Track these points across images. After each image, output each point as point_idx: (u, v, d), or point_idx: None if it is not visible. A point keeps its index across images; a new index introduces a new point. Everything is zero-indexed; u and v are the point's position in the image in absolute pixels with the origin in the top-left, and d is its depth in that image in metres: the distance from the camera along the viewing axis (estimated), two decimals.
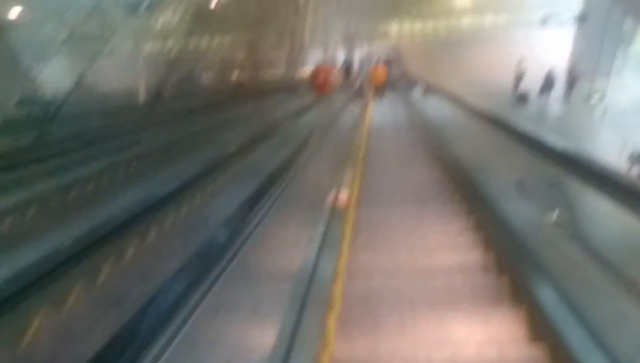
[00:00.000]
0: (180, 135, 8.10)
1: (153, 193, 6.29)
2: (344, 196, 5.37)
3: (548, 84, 18.63)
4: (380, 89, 18.59)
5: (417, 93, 14.49)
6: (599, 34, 18.83)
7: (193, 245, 5.21)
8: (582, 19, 19.23)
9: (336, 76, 11.08)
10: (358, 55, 24.00)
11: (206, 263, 4.40)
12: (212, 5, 21.41)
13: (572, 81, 18.51)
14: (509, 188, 5.48)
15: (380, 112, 16.38)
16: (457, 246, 5.19)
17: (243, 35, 22.52)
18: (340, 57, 22.80)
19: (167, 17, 20.06)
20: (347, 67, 18.79)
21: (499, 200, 5.41)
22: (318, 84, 10.70)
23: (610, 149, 16.82)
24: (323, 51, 24.08)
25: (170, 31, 19.41)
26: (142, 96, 15.75)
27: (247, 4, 23.78)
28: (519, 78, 20.79)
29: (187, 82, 16.67)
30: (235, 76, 20.04)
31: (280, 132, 8.49)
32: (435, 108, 10.72)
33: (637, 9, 14.08)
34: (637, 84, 19.35)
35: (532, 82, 20.47)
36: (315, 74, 10.83)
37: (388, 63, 20.47)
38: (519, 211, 5.21)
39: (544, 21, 20.22)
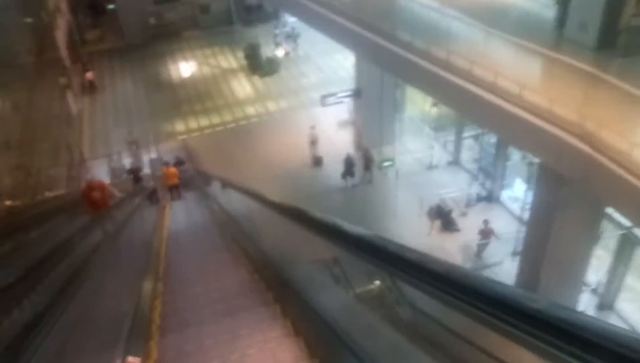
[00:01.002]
0: None
1: None
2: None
3: (348, 168, 19.76)
4: (175, 191, 17.81)
5: (214, 190, 14.02)
6: (375, 106, 20.70)
7: None
8: (356, 94, 21.05)
9: (112, 191, 10.02)
10: (146, 159, 22.91)
11: None
12: None
13: (367, 163, 19.95)
14: (319, 277, 5.04)
15: (178, 214, 15.50)
16: (280, 360, 4.55)
17: (9, 159, 19.95)
18: (127, 164, 21.46)
19: None
20: (135, 174, 17.62)
21: (311, 293, 4.93)
22: (92, 201, 9.42)
23: (410, 209, 18.16)
24: (108, 161, 22.55)
25: None
26: None
27: (9, 124, 21.38)
28: (313, 142, 22.45)
29: None
30: (3, 206, 17.31)
31: (57, 264, 6.96)
32: (234, 203, 10.25)
33: (403, 74, 15.81)
34: (415, 146, 21.57)
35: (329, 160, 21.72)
36: (87, 192, 9.46)
37: (179, 163, 19.87)
38: (334, 300, 4.76)
39: (323, 102, 21.70)
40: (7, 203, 19.05)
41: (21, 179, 20.43)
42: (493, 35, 12.79)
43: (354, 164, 19.95)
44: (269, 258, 6.81)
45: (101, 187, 9.77)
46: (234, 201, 10.38)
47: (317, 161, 22.05)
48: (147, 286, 7.59)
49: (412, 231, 17.19)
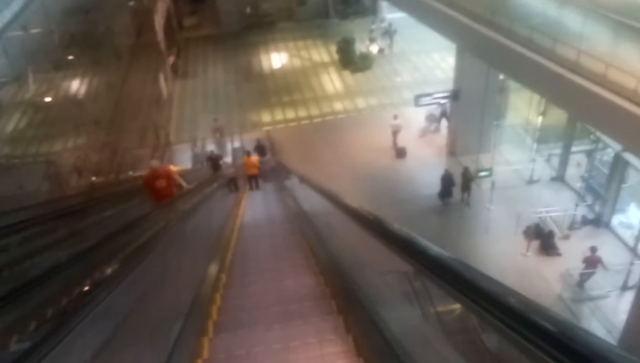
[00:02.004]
0: None
1: None
2: None
3: (446, 188, 18.32)
4: (253, 181, 17.91)
5: (291, 183, 13.72)
6: (473, 111, 19.55)
7: None
8: (454, 96, 20.01)
9: (179, 180, 8.99)
10: (229, 147, 23.19)
11: None
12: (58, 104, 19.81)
13: (466, 182, 18.36)
14: (394, 291, 4.45)
15: (254, 205, 15.46)
16: None
17: (98, 136, 20.90)
18: (209, 151, 21.71)
19: None
20: (214, 161, 17.69)
21: (382, 308, 4.31)
22: (155, 191, 8.60)
23: (505, 226, 16.85)
24: (191, 146, 23.01)
25: None
26: None
27: (102, 103, 22.40)
28: (395, 133, 22.07)
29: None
30: (85, 182, 18.00)
31: (123, 244, 6.72)
32: (310, 200, 9.82)
33: (519, 74, 14.47)
34: (515, 158, 20.03)
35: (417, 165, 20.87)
36: (150, 180, 8.68)
37: (260, 147, 19.99)
38: (407, 320, 4.12)
39: (417, 101, 20.90)
40: (93, 179, 19.95)
41: (107, 157, 21.36)
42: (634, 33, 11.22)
43: (453, 183, 18.42)
44: (339, 262, 6.26)
45: (167, 175, 8.80)
46: (310, 198, 9.93)
47: (400, 153, 21.74)
48: (211, 276, 7.32)
49: (505, 250, 15.92)
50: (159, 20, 28.93)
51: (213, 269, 7.74)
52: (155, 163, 8.89)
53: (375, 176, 20.15)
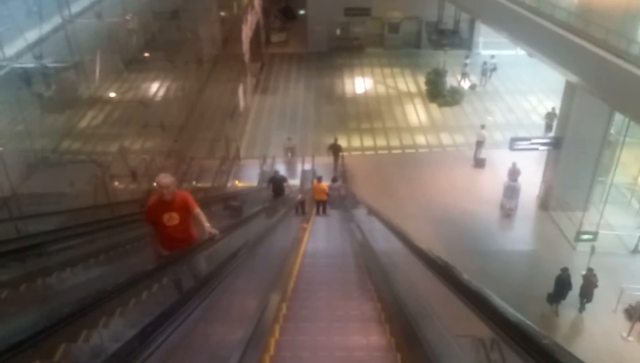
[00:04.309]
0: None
1: None
2: None
3: (560, 290, 15.06)
4: (321, 206, 17.89)
5: (359, 214, 13.17)
6: (578, 162, 18.33)
7: None
8: (555, 144, 18.80)
9: (200, 218, 5.64)
10: (299, 168, 22.90)
11: None
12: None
13: (588, 288, 15.02)
14: (468, 359, 3.86)
15: (319, 231, 15.26)
16: None
17: (163, 142, 21.00)
18: (281, 171, 21.34)
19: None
20: (276, 185, 16.55)
21: None
22: (164, 230, 5.66)
23: (602, 299, 15.17)
24: (260, 163, 22.84)
25: None
26: None
27: (174, 108, 22.63)
28: (479, 143, 22.92)
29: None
30: (139, 188, 17.86)
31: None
32: (377, 234, 9.25)
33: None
34: (616, 220, 18.26)
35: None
36: (154, 211, 5.67)
37: (335, 150, 22.21)
38: None
39: (512, 145, 19.88)
40: (154, 184, 19.83)
41: (172, 164, 21.34)
42: None
43: (569, 286, 15.09)
44: (408, 310, 5.61)
45: (184, 206, 5.63)
46: (377, 232, 9.34)
47: (479, 163, 22.79)
48: (273, 305, 7.06)
49: (602, 329, 14.33)
50: (246, 32, 29.49)
51: (276, 297, 7.38)
52: (165, 180, 5.54)
53: (455, 222, 19.12)
